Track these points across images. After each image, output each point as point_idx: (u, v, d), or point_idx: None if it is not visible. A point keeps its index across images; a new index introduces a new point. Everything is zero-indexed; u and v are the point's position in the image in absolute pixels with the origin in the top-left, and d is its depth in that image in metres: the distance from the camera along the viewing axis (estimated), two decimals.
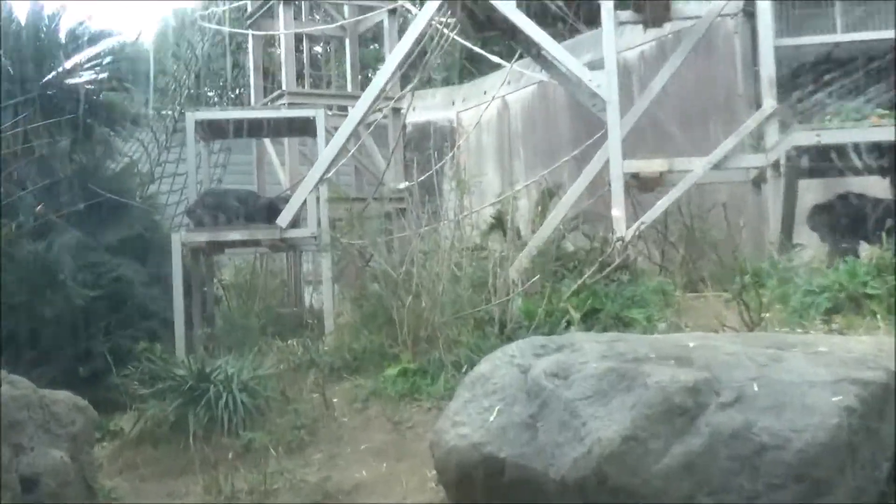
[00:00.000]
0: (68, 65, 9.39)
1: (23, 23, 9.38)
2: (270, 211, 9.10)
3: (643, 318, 7.37)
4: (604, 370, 4.78)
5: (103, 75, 9.55)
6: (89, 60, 9.52)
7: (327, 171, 9.04)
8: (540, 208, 10.09)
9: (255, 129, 9.97)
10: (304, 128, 9.84)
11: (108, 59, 9.56)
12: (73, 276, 8.17)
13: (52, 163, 8.84)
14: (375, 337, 7.72)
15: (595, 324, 7.33)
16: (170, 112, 12.52)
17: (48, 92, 9.08)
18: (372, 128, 12.02)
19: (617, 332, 6.70)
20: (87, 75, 9.59)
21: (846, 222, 8.62)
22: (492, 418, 4.95)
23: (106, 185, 9.15)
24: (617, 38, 8.91)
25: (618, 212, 8.56)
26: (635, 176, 8.86)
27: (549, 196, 10.27)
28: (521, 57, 11.93)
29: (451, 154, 13.28)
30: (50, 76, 9.22)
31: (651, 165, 8.84)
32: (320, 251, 8.93)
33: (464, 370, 6.68)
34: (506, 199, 9.92)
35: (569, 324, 7.27)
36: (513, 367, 5.13)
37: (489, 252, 8.55)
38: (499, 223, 9.97)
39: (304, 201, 8.89)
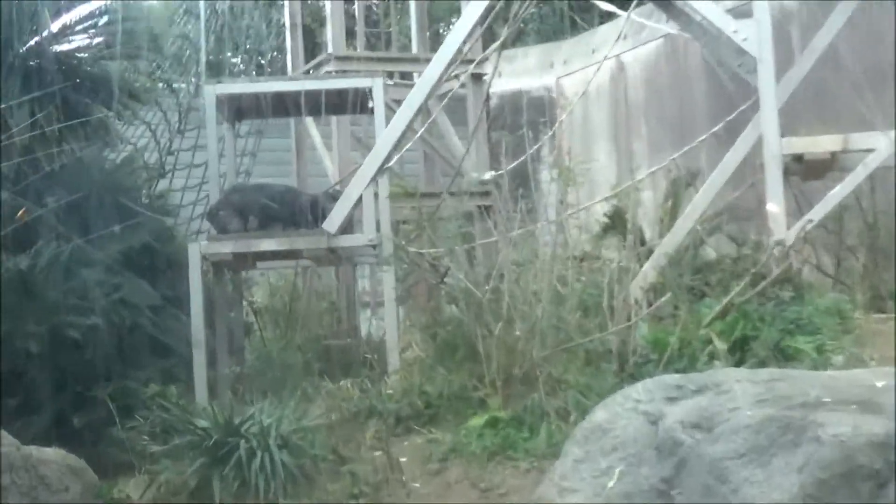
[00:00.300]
0: (55, 27, 9.58)
1: None
2: (315, 212, 9.18)
3: (812, 349, 7.28)
4: (761, 419, 4.73)
5: (98, 40, 9.73)
6: (81, 21, 9.70)
7: (388, 158, 9.10)
8: (670, 203, 10.02)
9: (294, 105, 10.06)
10: (356, 102, 9.92)
11: (104, 20, 9.74)
12: (64, 300, 8.33)
13: (35, 152, 8.99)
14: (454, 376, 7.74)
15: (747, 356, 7.26)
16: (184, 85, 12.69)
17: (30, 62, 9.27)
18: (446, 101, 12.04)
19: (777, 367, 6.63)
20: (78, 40, 9.78)
21: None
22: (612, 483, 4.94)
23: (104, 181, 9.31)
24: None
25: (775, 207, 8.46)
26: (798, 158, 8.75)
27: (682, 187, 10.19)
28: (641, 3, 11.86)
29: (550, 133, 13.26)
30: (32, 42, 9.41)
31: (819, 144, 8.73)
32: (380, 264, 8.99)
33: (572, 419, 6.66)
34: (624, 191, 9.88)
35: (712, 357, 7.21)
36: (638, 415, 5.11)
37: (603, 262, 8.52)
38: (615, 224, 9.93)
39: (359, 199, 8.96)
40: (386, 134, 9.11)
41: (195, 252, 8.84)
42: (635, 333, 7.46)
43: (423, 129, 10.91)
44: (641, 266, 8.44)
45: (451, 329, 8.06)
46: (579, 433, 5.29)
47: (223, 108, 9.78)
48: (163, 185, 11.26)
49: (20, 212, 8.46)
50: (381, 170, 9.03)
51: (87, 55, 9.73)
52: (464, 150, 11.98)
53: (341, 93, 9.84)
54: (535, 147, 11.35)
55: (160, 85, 11.90)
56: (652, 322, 7.74)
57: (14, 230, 8.49)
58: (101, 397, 8.01)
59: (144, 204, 9.84)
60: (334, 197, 9.36)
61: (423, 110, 10.44)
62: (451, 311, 8.29)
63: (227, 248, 8.98)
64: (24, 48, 9.32)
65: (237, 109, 10.14)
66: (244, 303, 10.52)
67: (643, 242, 9.25)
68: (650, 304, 7.72)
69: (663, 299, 7.73)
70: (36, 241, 8.50)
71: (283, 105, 10.01)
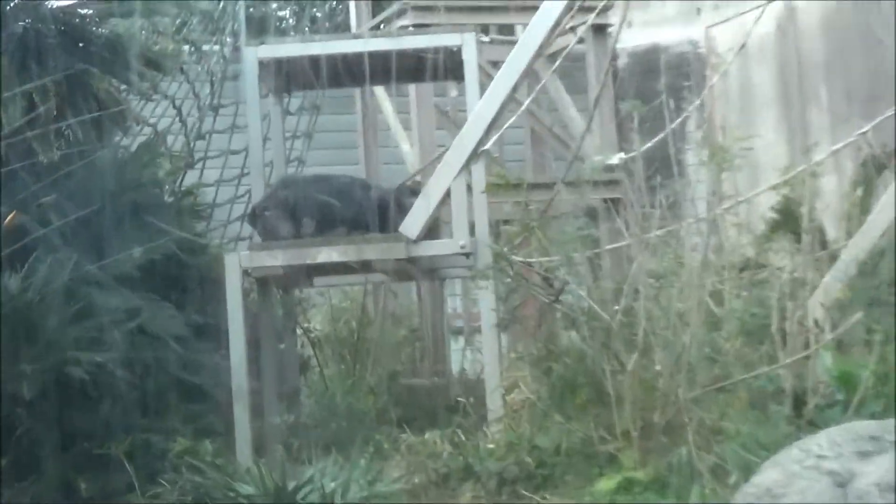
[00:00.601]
0: None
1: None
2: (389, 211, 9.22)
3: None
4: None
5: None
6: None
7: (484, 139, 9.11)
8: (860, 192, 9.92)
9: (360, 71, 10.11)
10: (442, 66, 9.94)
11: None
12: (66, 331, 8.41)
13: (28, 140, 9.10)
14: (576, 425, 7.73)
15: None
16: (218, 48, 12.78)
17: (20, 22, 9.40)
18: (559, 62, 12.03)
19: None
20: None
21: None
22: None
23: (115, 176, 9.40)
24: None
25: None
26: None
27: (875, 170, 10.08)
28: None
29: (697, 101, 13.19)
30: None
31: None
32: (475, 278, 8.99)
33: (733, 481, 6.62)
34: (798, 176, 9.79)
35: None
36: (821, 475, 5.07)
37: (771, 272, 8.45)
38: (787, 220, 9.86)
39: (447, 193, 8.97)
40: (481, 107, 9.11)
41: (234, 265, 8.91)
42: (816, 366, 7.39)
43: (529, 100, 10.91)
44: (822, 276, 8.36)
45: (571, 363, 8.04)
46: (742, 499, 5.25)
47: (268, 76, 9.86)
48: (191, 178, 11.35)
49: (8, 217, 8.55)
50: (475, 154, 9.04)
51: (92, 12, 9.84)
52: (584, 126, 11.96)
53: (422, 54, 9.85)
54: (679, 120, 11.31)
55: (186, 48, 11.98)
56: (838, 351, 7.66)
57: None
58: (115, 455, 8.11)
59: (168, 204, 9.94)
60: (414, 191, 9.39)
61: (530, 75, 10.44)
62: (570, 340, 8.27)
63: (275, 259, 9.03)
64: (12, 4, 9.44)
65: (286, 78, 10.21)
66: (299, 331, 10.58)
67: (824, 245, 9.16)
68: (835, 328, 7.64)
69: (852, 320, 7.65)
70: (29, 255, 8.59)
71: (346, 71, 10.06)
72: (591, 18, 11.85)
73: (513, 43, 11.24)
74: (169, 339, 8.82)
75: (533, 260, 8.93)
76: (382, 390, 9.98)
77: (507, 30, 14.10)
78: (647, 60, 16.15)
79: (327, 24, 16.39)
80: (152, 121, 11.37)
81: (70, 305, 8.54)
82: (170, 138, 11.49)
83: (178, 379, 8.84)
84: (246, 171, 10.83)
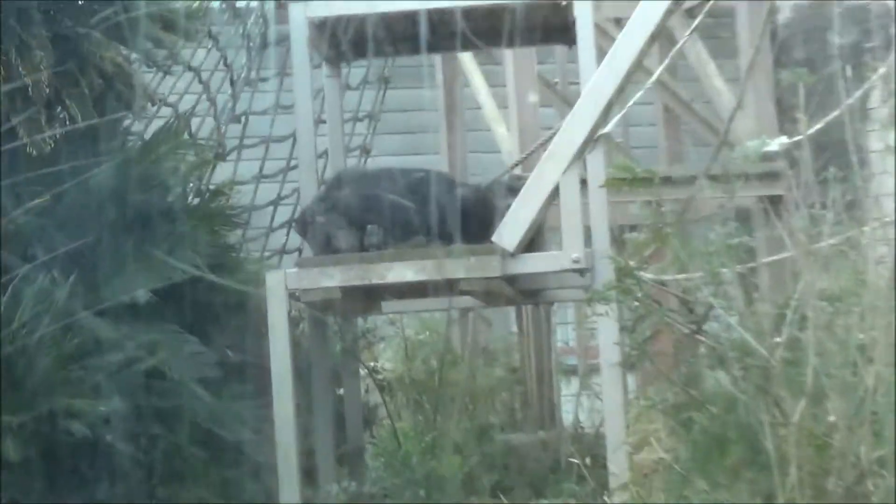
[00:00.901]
0: None
1: None
2: (479, 215, 9.20)
3: None
4: None
5: None
6: None
7: (602, 120, 9.07)
8: None
9: (440, 33, 10.10)
10: (547, 26, 9.92)
11: None
12: (59, 373, 8.46)
13: (16, 127, 9.18)
14: (725, 494, 7.69)
15: None
16: (256, 4, 12.83)
17: None
18: (700, 18, 12.00)
19: None
20: None
21: None
22: None
23: (124, 171, 9.46)
24: None
25: None
26: None
27: None
28: None
29: (882, 69, 13.10)
30: None
31: None
32: (593, 302, 8.96)
33: None
34: None
35: None
36: None
37: None
38: None
39: (555, 190, 8.94)
40: (598, 78, 9.09)
41: (278, 287, 8.93)
42: None
43: (661, 68, 10.89)
44: None
45: (718, 412, 8.00)
46: None
47: (321, 41, 9.86)
48: (223, 172, 11.39)
49: None
50: (591, 140, 9.00)
51: None
52: (733, 102, 11.91)
53: (520, 11, 9.82)
54: (859, 93, 11.23)
55: (216, 5, 12.02)
56: None
57: None
58: None
59: (192, 207, 9.98)
60: (512, 188, 9.37)
61: (662, 35, 10.40)
62: (717, 382, 8.23)
63: (331, 278, 9.03)
64: None
65: (345, 43, 10.21)
66: (362, 372, 10.59)
67: None
68: None
69: None
70: (13, 276, 8.65)
71: (423, 34, 10.03)
72: None
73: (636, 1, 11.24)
74: (193, 383, 8.85)
75: (668, 277, 8.89)
76: (472, 449, 9.97)
77: None
78: (817, 15, 16.09)
79: None
80: (172, 99, 11.42)
81: (66, 340, 8.58)
82: (195, 122, 11.53)
83: (206, 434, 8.87)
84: (293, 163, 10.85)
